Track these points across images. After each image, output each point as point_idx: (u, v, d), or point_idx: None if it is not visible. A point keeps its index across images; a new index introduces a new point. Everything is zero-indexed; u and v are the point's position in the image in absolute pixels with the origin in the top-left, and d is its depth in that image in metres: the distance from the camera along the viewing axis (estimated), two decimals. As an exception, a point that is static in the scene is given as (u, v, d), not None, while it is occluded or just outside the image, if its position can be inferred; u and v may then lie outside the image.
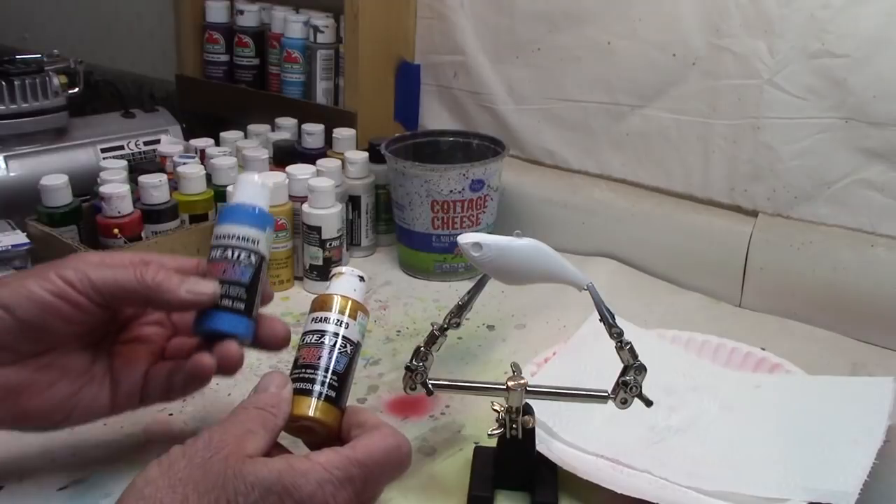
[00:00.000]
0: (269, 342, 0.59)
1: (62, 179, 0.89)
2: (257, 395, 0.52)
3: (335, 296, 0.57)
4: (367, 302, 0.59)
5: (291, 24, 1.16)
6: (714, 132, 0.90)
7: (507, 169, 0.98)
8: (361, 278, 0.59)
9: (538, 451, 0.60)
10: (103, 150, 1.15)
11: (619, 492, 0.57)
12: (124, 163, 0.94)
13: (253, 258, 0.57)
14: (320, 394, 0.53)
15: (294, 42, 1.16)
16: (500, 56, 1.03)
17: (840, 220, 0.85)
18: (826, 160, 0.84)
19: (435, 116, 1.12)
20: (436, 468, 0.63)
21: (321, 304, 0.57)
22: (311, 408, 0.53)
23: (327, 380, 0.54)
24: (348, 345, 0.55)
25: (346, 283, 0.58)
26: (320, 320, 0.56)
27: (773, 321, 0.86)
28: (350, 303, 0.57)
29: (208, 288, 0.55)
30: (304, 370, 0.54)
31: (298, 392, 0.53)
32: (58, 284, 0.52)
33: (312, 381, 0.53)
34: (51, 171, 0.97)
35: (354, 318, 0.56)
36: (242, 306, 0.56)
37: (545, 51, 0.99)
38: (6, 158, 1.07)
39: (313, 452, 0.48)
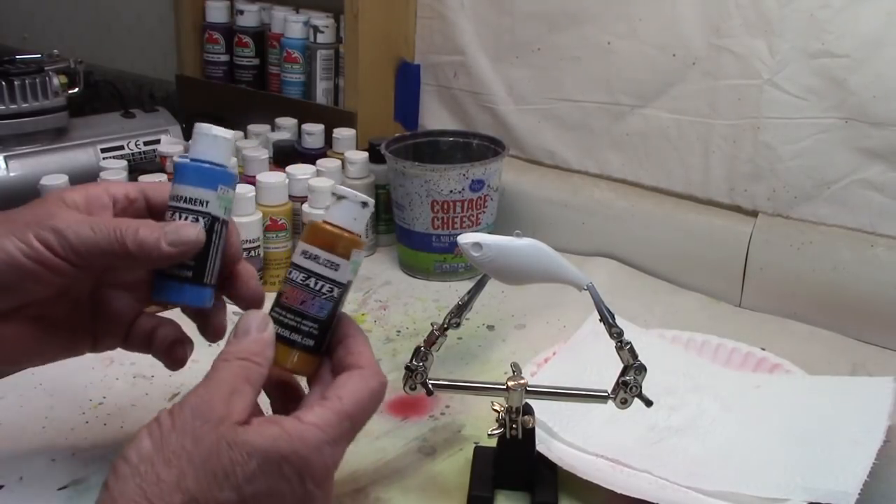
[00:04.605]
0: (244, 303, 0.57)
1: (62, 179, 0.89)
2: (238, 342, 0.49)
3: (330, 228, 0.52)
4: (364, 237, 0.54)
5: (291, 24, 1.16)
6: (714, 132, 0.90)
7: (507, 169, 0.98)
8: (364, 204, 0.52)
9: (538, 451, 0.60)
10: (103, 150, 1.15)
11: (618, 492, 0.57)
12: (124, 163, 0.94)
13: (202, 221, 0.52)
14: (300, 344, 0.51)
15: (294, 42, 1.16)
16: (500, 56, 1.03)
17: (840, 220, 0.85)
18: (826, 160, 0.84)
19: (435, 116, 1.12)
20: (436, 468, 0.63)
21: (313, 235, 0.52)
22: (291, 359, 0.51)
23: (309, 328, 0.51)
24: (336, 288, 0.51)
25: (345, 211, 0.52)
26: (309, 256, 0.51)
27: (773, 321, 0.86)
28: (345, 238, 0.51)
29: (191, 233, 0.51)
30: (286, 314, 0.51)
31: (279, 339, 0.51)
32: (36, 248, 0.49)
33: (293, 329, 0.51)
34: (51, 171, 0.98)
35: (348, 258, 0.51)
36: (191, 274, 0.53)
37: (545, 51, 0.99)
38: (6, 158, 1.07)
39: (302, 411, 0.47)
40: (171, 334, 0.58)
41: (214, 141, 0.53)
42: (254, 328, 0.50)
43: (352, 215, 0.52)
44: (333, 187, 0.54)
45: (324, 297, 0.51)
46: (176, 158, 0.55)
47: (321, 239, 0.51)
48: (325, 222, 0.52)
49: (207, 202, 0.53)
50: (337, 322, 0.53)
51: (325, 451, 0.46)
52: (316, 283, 0.51)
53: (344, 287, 0.52)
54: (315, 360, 0.52)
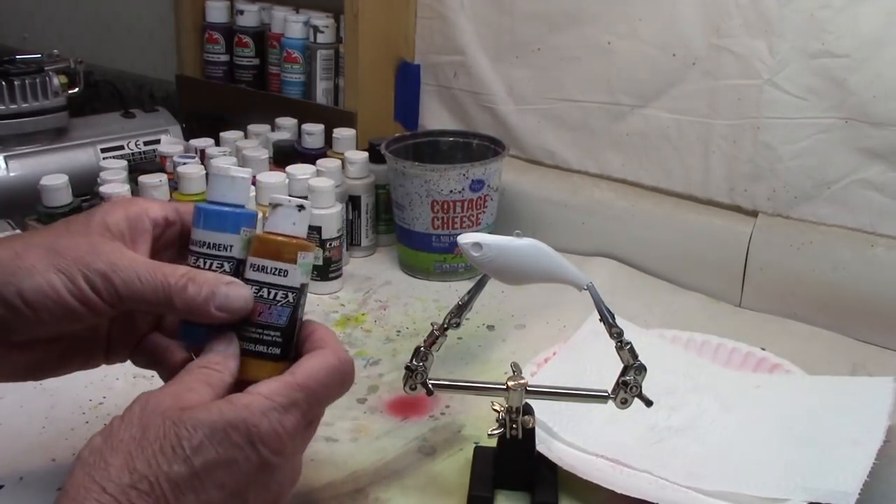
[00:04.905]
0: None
1: (62, 179, 0.89)
2: (202, 356, 0.50)
3: (272, 237, 0.51)
4: (309, 238, 0.53)
5: (291, 24, 1.16)
6: (714, 132, 0.90)
7: (507, 169, 0.98)
8: (300, 207, 0.52)
9: (538, 451, 0.60)
10: (103, 150, 1.15)
11: (619, 492, 0.57)
12: (124, 163, 0.94)
13: (227, 266, 0.52)
14: (267, 354, 0.51)
15: (294, 42, 1.16)
16: (500, 56, 1.03)
17: (840, 220, 0.85)
18: (826, 160, 0.84)
19: (435, 116, 1.12)
20: (436, 468, 0.63)
21: (258, 247, 0.52)
22: (260, 370, 0.51)
23: (272, 337, 0.51)
24: (290, 293, 0.51)
25: (283, 217, 0.52)
26: (258, 269, 0.51)
27: (773, 321, 0.86)
28: (288, 244, 0.51)
29: (241, 300, 0.50)
30: (247, 328, 0.51)
31: (244, 353, 0.51)
32: (83, 290, 0.49)
33: (257, 342, 0.51)
34: (51, 171, 0.98)
35: (295, 262, 0.51)
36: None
37: (545, 51, 0.99)
38: (6, 158, 1.07)
39: (254, 385, 0.48)
40: (182, 357, 0.57)
41: (234, 183, 0.53)
42: (217, 345, 0.50)
43: (290, 220, 0.52)
44: (270, 196, 0.53)
45: (279, 304, 0.51)
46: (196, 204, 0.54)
47: (265, 249, 0.51)
48: (267, 232, 0.52)
49: (232, 246, 0.52)
50: (301, 325, 0.53)
51: (272, 416, 0.46)
52: (269, 293, 0.51)
53: (298, 290, 0.52)
54: (285, 367, 0.51)
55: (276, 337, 0.51)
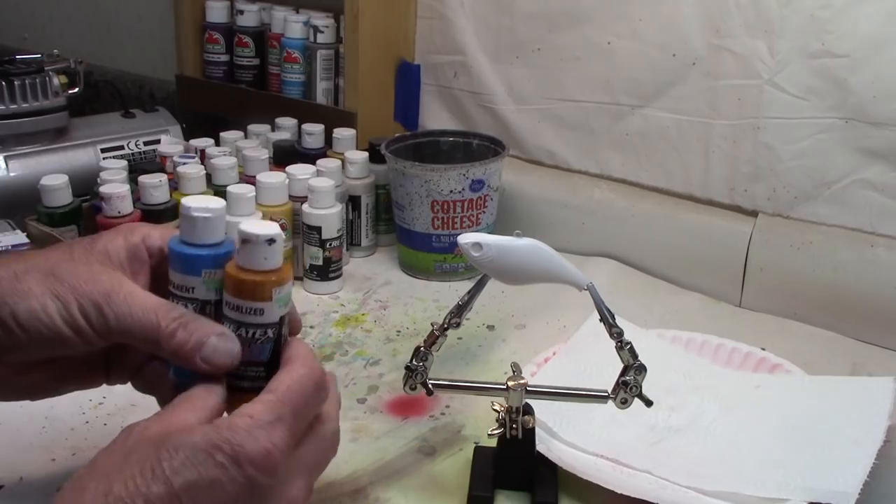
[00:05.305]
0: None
1: (62, 179, 0.89)
2: (191, 389, 0.49)
3: (243, 276, 0.49)
4: (290, 269, 0.52)
5: (291, 24, 1.16)
6: (714, 132, 0.90)
7: (507, 169, 0.98)
8: (270, 241, 0.49)
9: (538, 451, 0.60)
10: (103, 150, 1.15)
11: (619, 492, 0.57)
12: (124, 163, 0.94)
13: (191, 307, 0.51)
14: (252, 387, 0.50)
15: (294, 42, 1.16)
16: (500, 56, 1.03)
17: (840, 220, 0.85)
18: (826, 160, 0.84)
19: (435, 116, 1.12)
20: (436, 468, 0.63)
21: (231, 286, 0.50)
22: (243, 403, 0.49)
23: (255, 373, 0.51)
24: (269, 330, 0.50)
25: (253, 253, 0.49)
26: (234, 308, 0.50)
27: (773, 321, 0.86)
28: (260, 283, 0.49)
29: (226, 357, 0.50)
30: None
31: (231, 389, 0.50)
32: (76, 320, 0.49)
33: (241, 378, 0.51)
34: (51, 171, 0.98)
35: (270, 299, 0.49)
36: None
37: (545, 51, 0.99)
38: (6, 158, 1.07)
39: (237, 409, 0.47)
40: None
41: (195, 223, 0.50)
42: (204, 380, 0.49)
43: (261, 256, 0.49)
44: (238, 229, 0.50)
45: (259, 342, 0.50)
46: (168, 243, 0.52)
47: (238, 289, 0.50)
48: (239, 268, 0.50)
49: (193, 288, 0.51)
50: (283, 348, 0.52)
51: (258, 435, 0.44)
52: (247, 332, 0.50)
53: (277, 324, 0.51)
54: None
55: (259, 372, 0.51)
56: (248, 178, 0.93)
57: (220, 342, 0.49)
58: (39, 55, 1.16)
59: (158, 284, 0.53)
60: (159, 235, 0.54)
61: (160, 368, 0.56)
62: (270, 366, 0.51)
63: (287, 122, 1.12)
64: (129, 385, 0.71)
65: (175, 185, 0.92)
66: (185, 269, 0.51)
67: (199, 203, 0.50)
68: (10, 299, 0.49)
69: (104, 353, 0.56)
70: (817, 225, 0.86)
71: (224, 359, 0.49)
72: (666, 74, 0.92)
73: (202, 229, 0.51)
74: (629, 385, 0.58)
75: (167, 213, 0.88)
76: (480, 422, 0.68)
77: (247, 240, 0.49)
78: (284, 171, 0.91)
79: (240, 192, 0.84)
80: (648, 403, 0.58)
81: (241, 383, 0.51)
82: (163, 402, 0.56)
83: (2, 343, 0.49)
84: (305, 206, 0.89)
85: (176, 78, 1.32)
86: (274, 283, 0.49)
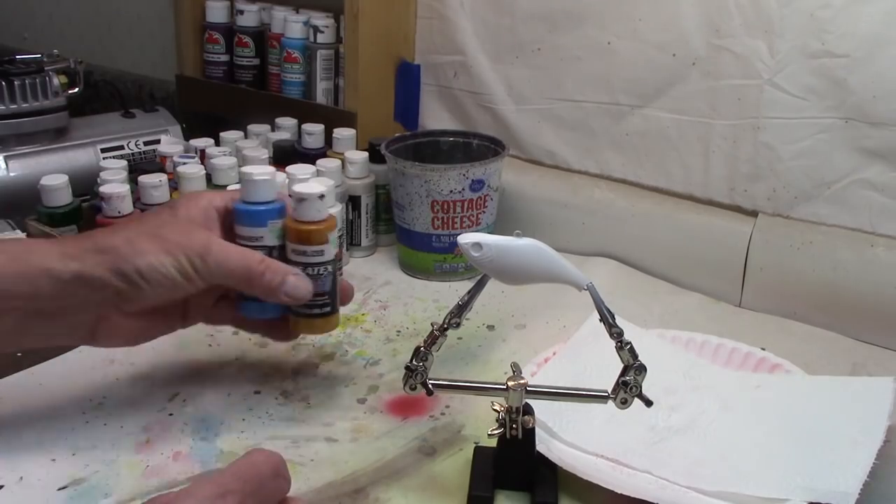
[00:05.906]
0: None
1: (62, 179, 0.89)
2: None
3: (304, 227, 0.64)
4: (330, 212, 0.66)
5: (291, 24, 1.16)
6: (714, 132, 0.90)
7: (507, 169, 0.98)
8: (321, 196, 0.64)
9: (538, 451, 0.60)
10: (103, 150, 1.15)
11: (619, 492, 0.57)
12: (124, 163, 0.94)
13: (260, 253, 0.64)
14: (321, 313, 0.66)
15: (294, 42, 1.16)
16: (500, 56, 1.03)
17: (840, 220, 0.85)
18: (826, 160, 0.84)
19: (435, 116, 1.12)
20: (436, 468, 0.63)
21: (295, 236, 0.65)
22: (320, 326, 0.67)
23: (322, 301, 0.66)
24: (329, 266, 0.65)
25: (309, 208, 0.64)
26: (299, 253, 0.64)
27: (773, 321, 0.86)
28: (318, 231, 0.64)
29: (303, 291, 0.64)
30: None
31: (305, 317, 0.66)
32: (186, 269, 0.61)
33: (311, 307, 0.66)
34: (51, 171, 0.98)
35: (327, 241, 0.65)
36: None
37: (545, 51, 0.99)
38: (6, 158, 1.07)
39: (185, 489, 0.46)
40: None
41: (256, 185, 0.64)
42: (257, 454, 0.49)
43: (315, 208, 0.64)
44: (291, 190, 0.65)
45: (322, 276, 0.65)
46: (232, 205, 0.66)
47: (301, 238, 0.65)
48: (298, 221, 0.64)
49: (262, 237, 0.65)
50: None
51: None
52: (313, 270, 0.65)
53: (333, 261, 0.65)
54: (336, 316, 0.68)
55: (325, 300, 0.66)
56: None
57: (297, 280, 0.64)
58: (39, 55, 1.16)
59: (227, 237, 0.65)
60: (220, 199, 0.66)
61: (226, 308, 0.69)
62: (332, 294, 0.67)
63: (287, 122, 1.12)
64: (129, 385, 0.72)
65: (175, 185, 0.92)
66: (254, 222, 0.64)
67: (258, 169, 0.66)
68: (131, 258, 0.60)
69: (183, 302, 0.67)
70: (817, 225, 0.86)
71: (302, 292, 0.64)
72: (666, 74, 0.92)
73: (264, 189, 0.64)
74: (629, 385, 0.58)
75: (167, 213, 0.88)
76: (480, 422, 0.68)
77: (302, 199, 0.64)
78: (284, 171, 0.91)
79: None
80: (648, 403, 0.58)
81: (312, 311, 0.66)
82: (267, 333, 0.71)
83: (127, 295, 0.60)
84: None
85: (176, 78, 1.32)
86: (328, 228, 0.65)
